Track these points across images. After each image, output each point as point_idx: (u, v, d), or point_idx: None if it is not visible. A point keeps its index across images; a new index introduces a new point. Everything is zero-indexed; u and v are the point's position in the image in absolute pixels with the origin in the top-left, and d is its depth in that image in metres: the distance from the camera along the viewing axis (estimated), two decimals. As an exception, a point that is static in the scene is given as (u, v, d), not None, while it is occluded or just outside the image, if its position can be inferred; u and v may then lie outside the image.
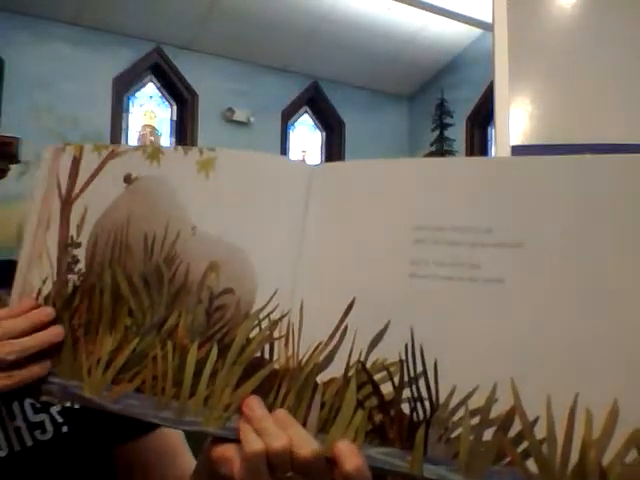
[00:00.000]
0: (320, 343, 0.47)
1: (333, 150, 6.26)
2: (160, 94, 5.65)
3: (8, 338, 0.51)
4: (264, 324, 0.48)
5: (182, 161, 0.53)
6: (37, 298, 0.56)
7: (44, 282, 0.56)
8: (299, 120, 6.27)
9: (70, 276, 0.55)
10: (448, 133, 6.11)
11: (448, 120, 6.11)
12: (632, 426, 0.39)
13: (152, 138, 5.53)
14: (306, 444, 0.44)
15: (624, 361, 0.40)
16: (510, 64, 1.43)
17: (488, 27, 1.61)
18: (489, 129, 5.91)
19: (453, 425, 0.43)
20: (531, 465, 0.41)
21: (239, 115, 5.61)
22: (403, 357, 0.45)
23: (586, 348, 0.41)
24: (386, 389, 0.45)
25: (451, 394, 0.43)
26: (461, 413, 0.43)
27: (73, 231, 0.56)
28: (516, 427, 0.41)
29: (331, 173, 0.51)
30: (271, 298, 0.48)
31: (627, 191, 0.42)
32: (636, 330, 0.40)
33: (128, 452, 0.70)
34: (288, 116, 6.07)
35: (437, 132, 6.14)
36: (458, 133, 6.04)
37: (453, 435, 0.43)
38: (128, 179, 0.55)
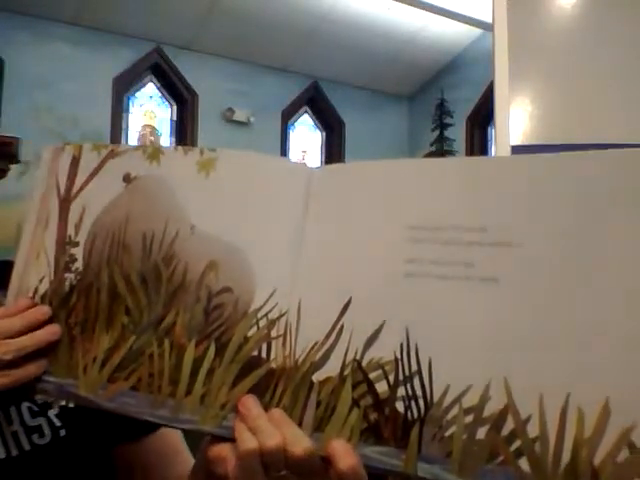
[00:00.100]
0: (316, 342, 0.47)
1: (333, 150, 6.26)
2: (160, 94, 5.65)
3: (5, 337, 0.51)
4: (262, 323, 0.49)
5: (182, 161, 0.54)
6: (34, 297, 0.56)
7: (41, 281, 0.56)
8: (299, 120, 6.27)
9: (67, 275, 0.55)
10: (448, 133, 6.11)
11: (448, 120, 6.11)
12: (624, 425, 0.39)
13: (152, 138, 5.53)
14: (299, 443, 0.44)
15: (616, 360, 0.40)
16: (510, 64, 1.43)
17: (488, 27, 1.61)
18: (489, 129, 5.92)
19: (447, 423, 0.43)
20: (524, 464, 0.41)
21: (239, 115, 5.62)
22: (398, 356, 0.45)
23: (578, 347, 0.41)
24: (381, 388, 0.45)
25: (445, 393, 0.43)
26: (455, 411, 0.43)
27: (71, 230, 0.56)
28: (509, 426, 0.42)
29: (330, 175, 0.51)
30: (269, 297, 0.49)
31: (621, 188, 0.42)
32: (628, 329, 0.40)
33: (128, 453, 0.70)
34: (288, 116, 6.07)
35: (437, 132, 6.15)
36: (458, 133, 6.04)
37: (447, 434, 0.43)
38: (127, 178, 0.55)
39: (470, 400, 0.42)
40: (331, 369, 0.46)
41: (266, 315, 0.49)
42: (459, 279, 0.44)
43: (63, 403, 0.65)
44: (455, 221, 0.45)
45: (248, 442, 0.44)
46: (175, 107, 5.68)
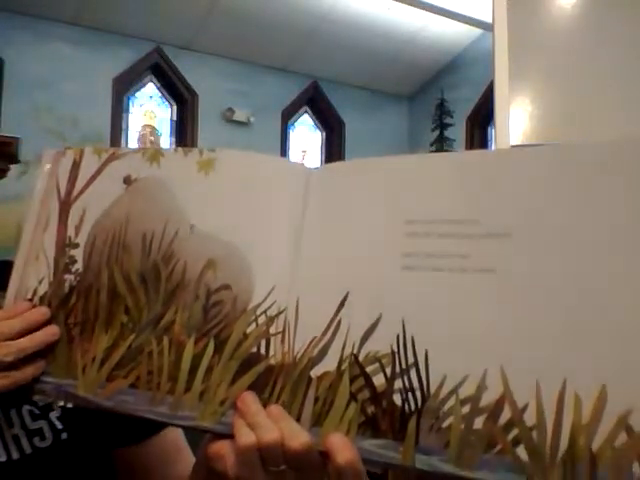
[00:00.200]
0: (314, 338, 0.47)
1: (333, 150, 6.26)
2: (160, 94, 5.65)
3: (5, 339, 0.52)
4: (261, 320, 0.49)
5: (182, 162, 0.54)
6: (33, 298, 0.56)
7: (40, 282, 0.56)
8: (299, 120, 6.27)
9: (67, 276, 0.55)
10: (448, 133, 6.11)
11: (448, 120, 6.11)
12: (621, 410, 0.39)
13: (152, 138, 5.53)
14: (297, 437, 0.44)
15: (611, 345, 0.40)
16: (510, 64, 1.43)
17: (488, 27, 1.61)
18: (489, 129, 5.92)
19: (444, 415, 0.43)
20: (521, 453, 0.41)
21: (239, 115, 5.61)
22: (395, 348, 0.45)
23: (574, 334, 0.41)
24: (378, 381, 0.46)
25: (442, 384, 0.44)
26: (452, 402, 0.43)
27: (71, 232, 0.57)
28: (506, 415, 0.42)
29: (328, 173, 0.52)
30: (268, 295, 0.49)
31: (616, 178, 0.42)
32: (622, 314, 0.40)
33: (129, 455, 0.70)
34: (288, 116, 6.07)
35: (437, 132, 6.15)
36: (458, 133, 6.04)
37: (444, 425, 0.43)
38: (128, 180, 0.56)
39: (467, 390, 0.43)
40: (329, 364, 0.47)
41: (265, 312, 0.49)
42: (455, 271, 0.45)
43: (62, 404, 0.65)
44: (450, 214, 0.46)
45: (246, 437, 0.45)
46: (175, 107, 5.68)
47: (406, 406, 0.45)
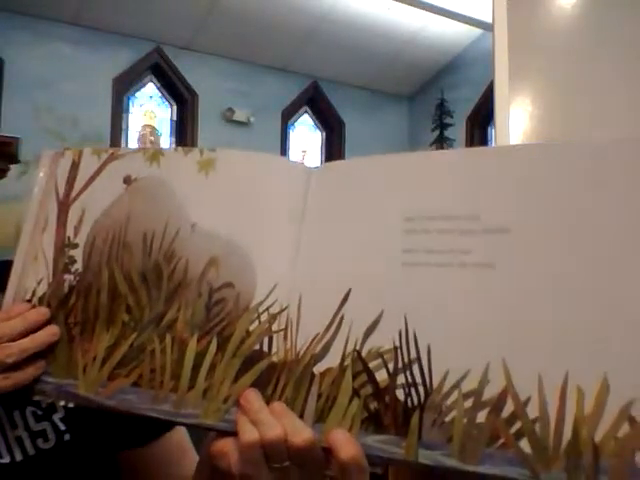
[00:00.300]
0: (317, 335, 0.47)
1: (333, 150, 6.26)
2: (160, 94, 5.65)
3: (6, 341, 0.52)
4: (263, 317, 0.49)
5: (182, 161, 0.54)
6: (32, 298, 0.56)
7: (39, 283, 0.56)
8: (299, 120, 6.27)
9: (66, 276, 0.56)
10: (448, 133, 6.11)
11: (448, 120, 6.11)
12: (623, 400, 0.39)
13: (152, 138, 5.53)
14: (300, 433, 0.44)
15: (612, 337, 0.40)
16: (510, 64, 1.43)
17: (488, 27, 1.62)
18: (489, 129, 5.91)
19: (447, 409, 0.44)
20: (525, 445, 0.41)
21: (239, 115, 5.61)
22: (397, 344, 0.46)
23: (575, 327, 0.41)
24: (381, 376, 0.46)
25: (444, 378, 0.44)
26: (454, 397, 0.43)
27: (70, 232, 0.57)
28: (509, 408, 0.42)
29: (328, 171, 0.52)
30: (270, 292, 0.49)
31: (614, 176, 0.43)
32: (623, 307, 0.41)
33: (134, 457, 0.70)
34: (288, 116, 6.07)
35: (437, 132, 6.14)
36: (458, 133, 6.04)
37: (447, 419, 0.44)
38: (128, 180, 0.56)
39: (469, 384, 0.43)
40: (331, 360, 0.47)
41: (267, 310, 0.49)
42: (455, 266, 0.45)
43: (63, 404, 0.65)
44: (450, 210, 0.46)
45: (249, 433, 0.45)
46: (175, 107, 5.67)
47: (409, 401, 0.45)
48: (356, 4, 5.30)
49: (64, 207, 0.57)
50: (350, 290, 0.48)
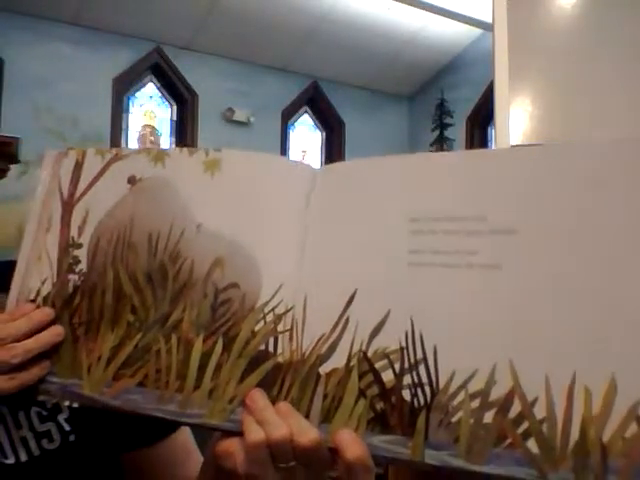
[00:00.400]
0: (323, 335, 0.48)
1: (333, 150, 6.26)
2: (160, 94, 5.64)
3: (11, 341, 0.52)
4: (269, 318, 0.49)
5: (188, 162, 0.54)
6: (36, 299, 0.56)
7: (43, 283, 0.56)
8: (299, 120, 6.26)
9: (71, 276, 0.56)
10: (448, 133, 6.10)
11: (448, 120, 6.11)
12: (631, 400, 0.39)
13: (152, 138, 5.52)
14: (306, 433, 0.45)
15: (620, 338, 0.40)
16: (510, 64, 1.43)
17: (488, 27, 1.62)
18: (489, 129, 5.91)
19: (453, 409, 0.44)
20: (532, 446, 0.41)
21: (239, 115, 5.61)
22: (403, 344, 0.46)
23: (582, 328, 0.41)
24: (387, 377, 0.46)
25: (451, 378, 0.44)
26: (461, 397, 0.44)
27: (74, 232, 0.57)
28: (516, 408, 0.42)
29: (332, 173, 0.52)
30: (276, 293, 0.49)
31: (617, 176, 0.43)
32: (630, 308, 0.41)
33: (138, 458, 0.70)
34: (288, 116, 6.06)
35: (437, 132, 6.14)
36: (458, 133, 6.04)
37: (453, 419, 0.44)
38: (132, 180, 0.56)
39: (476, 385, 0.43)
40: (337, 361, 0.47)
41: (273, 310, 0.49)
42: (462, 267, 0.45)
43: (67, 404, 0.65)
44: (457, 211, 0.46)
45: (255, 433, 0.45)
46: (175, 107, 5.67)
47: (415, 401, 0.45)
48: (356, 4, 5.29)
49: (68, 207, 0.57)
50: (356, 290, 0.48)
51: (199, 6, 5.11)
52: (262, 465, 0.45)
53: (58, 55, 4.93)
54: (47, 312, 0.54)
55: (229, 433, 0.48)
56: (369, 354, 0.46)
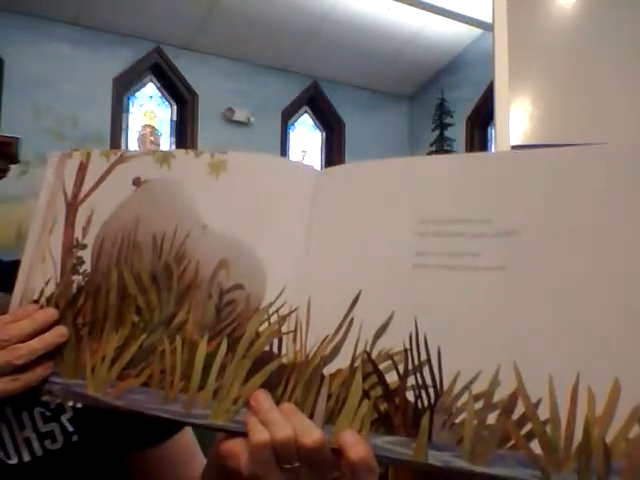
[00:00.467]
0: (327, 336, 0.48)
1: (333, 150, 6.26)
2: (160, 94, 5.64)
3: (16, 342, 0.52)
4: (273, 319, 0.49)
5: (193, 164, 0.55)
6: (39, 299, 0.56)
7: (47, 283, 0.56)
8: (299, 120, 6.26)
9: (75, 277, 0.56)
10: (448, 133, 6.10)
11: (448, 120, 6.10)
12: (634, 402, 0.40)
13: (152, 138, 5.52)
14: (310, 434, 0.45)
15: (624, 339, 0.41)
16: (510, 64, 1.43)
17: (488, 27, 1.62)
18: (489, 129, 5.91)
19: (457, 410, 0.44)
20: (536, 447, 0.42)
21: (239, 115, 5.61)
22: (407, 346, 0.46)
23: (586, 329, 0.42)
24: (391, 378, 0.46)
25: (455, 380, 0.44)
26: (464, 398, 0.44)
27: (78, 233, 0.57)
28: (519, 410, 0.42)
29: (337, 174, 0.53)
30: (280, 294, 0.50)
31: (620, 179, 0.43)
32: (634, 309, 0.41)
33: (142, 458, 0.70)
34: (288, 116, 6.06)
35: (437, 132, 6.14)
36: (458, 133, 6.04)
37: (457, 420, 0.44)
38: (137, 182, 0.56)
39: (480, 386, 0.43)
40: (341, 362, 0.47)
41: (277, 311, 0.49)
42: (467, 269, 0.45)
43: (71, 404, 0.65)
44: (462, 214, 0.47)
45: (260, 434, 0.45)
46: (175, 107, 5.67)
47: (419, 403, 0.45)
48: (356, 4, 5.29)
49: (72, 208, 0.58)
50: (360, 292, 0.48)
51: (199, 6, 5.11)
52: (266, 466, 0.45)
53: (58, 55, 4.93)
54: (51, 313, 0.55)
55: (233, 434, 0.48)
56: (373, 355, 0.47)
